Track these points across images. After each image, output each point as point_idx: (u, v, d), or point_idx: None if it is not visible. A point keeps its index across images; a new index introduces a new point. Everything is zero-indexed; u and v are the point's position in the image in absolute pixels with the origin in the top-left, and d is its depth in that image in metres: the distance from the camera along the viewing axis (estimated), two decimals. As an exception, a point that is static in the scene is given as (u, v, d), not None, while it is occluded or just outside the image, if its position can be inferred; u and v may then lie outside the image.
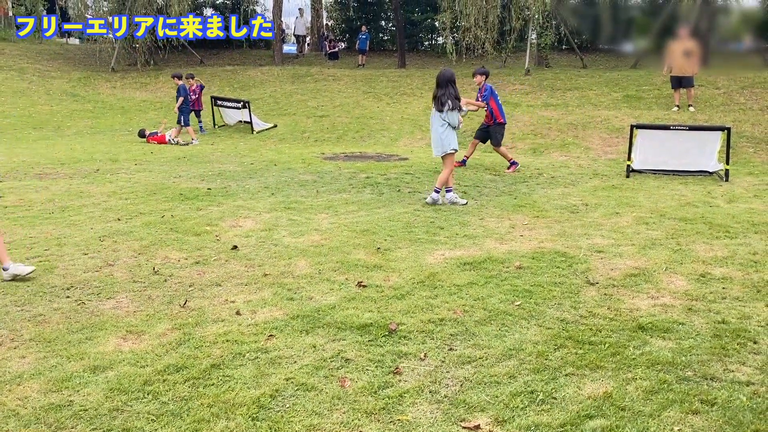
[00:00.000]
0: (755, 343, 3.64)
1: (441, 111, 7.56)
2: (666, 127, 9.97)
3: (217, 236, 6.09)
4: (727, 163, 9.33)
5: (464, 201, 7.72)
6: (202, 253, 5.53)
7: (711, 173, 9.60)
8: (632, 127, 9.98)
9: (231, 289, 4.64)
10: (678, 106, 14.50)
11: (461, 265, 5.17)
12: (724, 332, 3.78)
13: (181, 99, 14.34)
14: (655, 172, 9.80)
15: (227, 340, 3.74)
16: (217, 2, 28.48)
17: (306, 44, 30.23)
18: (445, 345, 3.66)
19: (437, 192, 7.63)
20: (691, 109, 14.24)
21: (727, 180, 9.16)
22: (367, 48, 25.37)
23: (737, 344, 3.62)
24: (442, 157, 7.71)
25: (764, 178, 9.43)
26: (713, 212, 7.06)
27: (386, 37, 30.54)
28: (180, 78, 14.84)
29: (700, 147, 9.68)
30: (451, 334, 3.81)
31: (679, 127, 9.82)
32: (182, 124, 14.29)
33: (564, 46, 24.26)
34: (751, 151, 11.67)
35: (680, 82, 14.16)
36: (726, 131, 9.44)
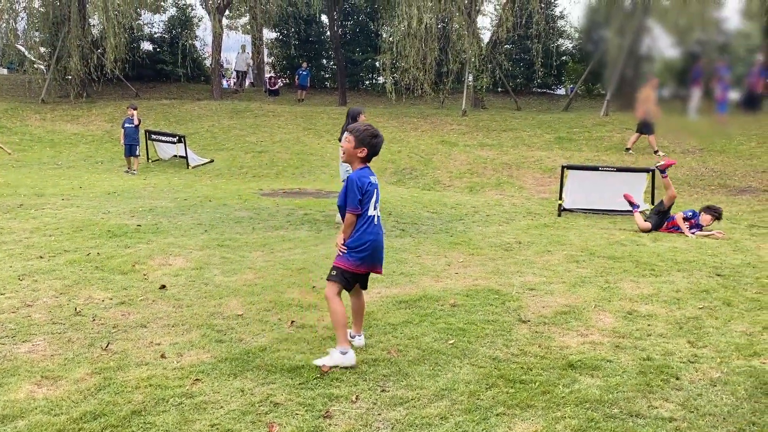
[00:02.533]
0: (677, 379, 3.75)
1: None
2: (595, 168, 10.37)
3: (145, 275, 5.88)
4: (653, 204, 9.74)
5: None
6: (128, 293, 5.32)
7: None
8: (563, 167, 10.33)
9: (157, 331, 4.47)
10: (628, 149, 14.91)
11: (397, 303, 5.15)
12: (648, 369, 3.88)
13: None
14: (585, 211, 10.13)
15: (150, 385, 3.58)
16: (155, 36, 28.11)
17: (246, 80, 30.19)
18: (378, 386, 3.61)
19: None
20: (660, 153, 14.19)
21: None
22: (308, 84, 25.55)
23: (661, 380, 3.71)
24: None
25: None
26: (640, 251, 7.32)
27: (327, 75, 30.85)
28: (135, 109, 15.31)
29: (628, 187, 10.08)
30: (384, 375, 3.76)
31: (608, 168, 10.23)
32: (137, 154, 14.98)
33: (499, 89, 25.08)
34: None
35: (644, 128, 14.10)
36: (651, 173, 9.88)
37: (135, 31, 25.06)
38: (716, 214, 8.47)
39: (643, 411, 3.32)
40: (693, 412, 3.32)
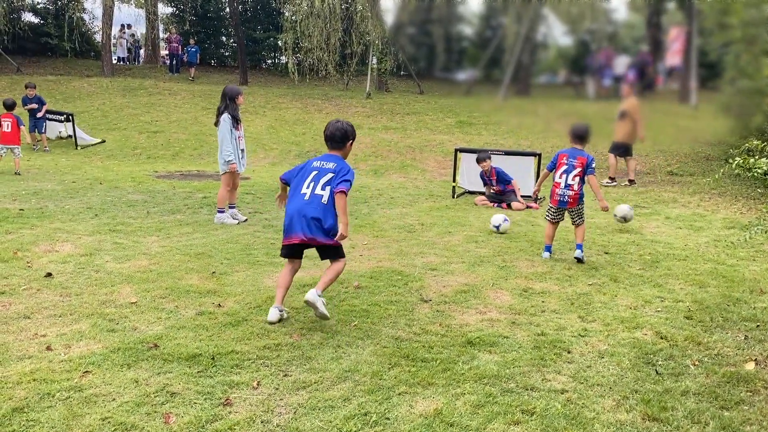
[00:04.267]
0: (569, 352, 3.94)
1: (216, 125, 7.45)
2: (485, 151, 10.65)
3: (28, 263, 5.48)
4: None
5: (235, 221, 7.54)
6: (8, 282, 4.93)
7: (530, 196, 10.39)
8: (456, 150, 10.58)
9: (42, 322, 4.18)
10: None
11: (300, 286, 5.09)
12: (543, 344, 4.05)
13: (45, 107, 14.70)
14: (476, 193, 10.39)
15: (34, 380, 3.34)
16: (38, 7, 26.11)
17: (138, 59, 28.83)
18: (280, 371, 3.55)
19: (221, 212, 7.53)
20: (606, 181, 11.79)
21: (542, 201, 9.98)
22: (197, 61, 24.58)
23: (554, 354, 3.89)
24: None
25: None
26: (534, 231, 7.63)
27: (227, 53, 29.90)
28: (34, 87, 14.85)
29: (521, 170, 10.43)
30: (287, 360, 3.70)
31: (497, 152, 10.54)
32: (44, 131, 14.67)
33: (402, 72, 25.27)
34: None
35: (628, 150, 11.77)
36: (538, 157, 10.29)
37: (15, 0, 23.19)
38: (481, 157, 9.70)
39: (538, 384, 3.47)
40: (583, 383, 3.50)
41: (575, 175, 6.09)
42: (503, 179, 9.73)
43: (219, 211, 7.52)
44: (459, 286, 5.27)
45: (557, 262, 6.13)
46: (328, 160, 4.40)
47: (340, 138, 4.44)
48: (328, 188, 4.27)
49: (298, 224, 4.28)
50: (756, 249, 6.84)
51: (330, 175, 4.30)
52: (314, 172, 4.34)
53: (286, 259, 4.52)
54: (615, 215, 7.92)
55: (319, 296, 4.18)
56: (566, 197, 6.13)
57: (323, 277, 4.41)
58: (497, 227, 7.35)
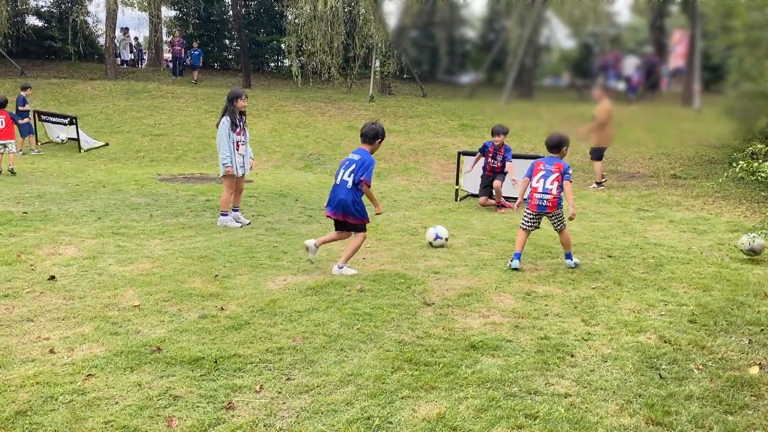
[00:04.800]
0: (572, 356, 3.93)
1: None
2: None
3: (31, 266, 5.49)
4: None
5: (238, 224, 7.55)
6: (12, 285, 4.94)
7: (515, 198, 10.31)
8: (459, 153, 10.56)
9: (45, 325, 4.18)
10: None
11: (303, 290, 5.09)
12: (546, 347, 4.04)
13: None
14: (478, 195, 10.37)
15: (37, 383, 3.34)
16: (42, 10, 26.18)
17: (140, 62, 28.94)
18: (283, 375, 3.55)
19: (224, 215, 7.55)
20: (593, 186, 11.73)
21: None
22: (201, 64, 24.62)
23: (557, 358, 3.88)
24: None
25: (581, 202, 10.39)
26: (537, 234, 7.59)
27: (230, 56, 29.95)
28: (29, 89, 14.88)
29: (524, 174, 10.37)
30: (290, 363, 3.70)
31: None
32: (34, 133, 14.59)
33: (405, 75, 25.29)
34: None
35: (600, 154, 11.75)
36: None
37: (19, 3, 23.27)
38: (500, 130, 9.46)
39: (541, 388, 3.46)
40: (586, 387, 3.49)
41: (553, 180, 6.08)
42: (506, 158, 9.55)
43: (222, 214, 7.53)
44: (462, 289, 5.26)
45: (560, 266, 6.12)
46: (357, 152, 5.64)
47: (371, 136, 5.64)
48: (352, 176, 5.50)
49: (330, 203, 5.69)
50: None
51: (354, 166, 5.52)
52: (345, 162, 5.63)
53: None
54: (741, 248, 6.71)
55: (341, 267, 5.58)
56: (545, 201, 6.07)
57: (346, 250, 5.67)
58: (431, 242, 6.88)
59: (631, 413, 3.20)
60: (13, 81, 20.86)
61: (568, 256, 6.14)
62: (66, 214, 7.68)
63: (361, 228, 5.69)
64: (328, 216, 5.77)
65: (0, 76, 21.70)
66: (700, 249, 7.01)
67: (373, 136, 5.63)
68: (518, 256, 6.08)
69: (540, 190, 6.12)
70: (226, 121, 7.36)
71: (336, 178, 5.64)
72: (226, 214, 7.52)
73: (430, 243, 6.80)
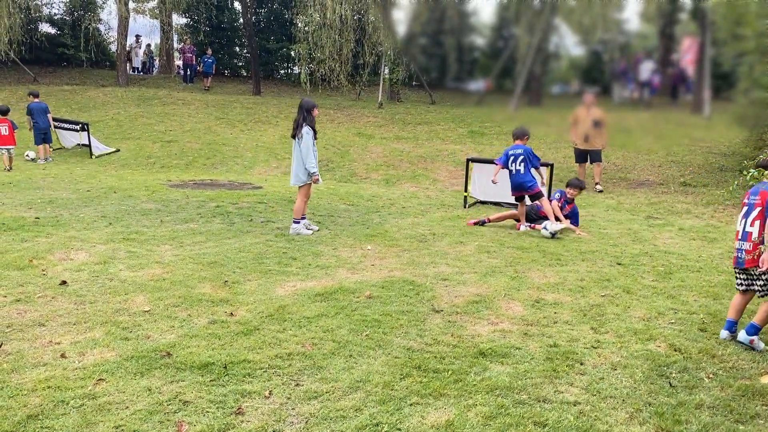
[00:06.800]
0: (582, 364, 3.92)
1: (294, 138, 7.58)
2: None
3: (43, 271, 5.54)
4: (549, 197, 10.08)
5: (309, 231, 7.68)
6: (24, 290, 4.99)
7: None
8: (468, 160, 10.56)
9: (56, 329, 4.22)
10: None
11: (312, 296, 5.10)
12: (555, 355, 4.03)
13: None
14: (493, 203, 10.39)
15: (49, 387, 3.37)
16: (55, 18, 26.46)
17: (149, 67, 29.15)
18: (292, 381, 3.56)
19: (297, 222, 7.59)
20: (598, 187, 11.92)
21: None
22: (213, 71, 24.78)
23: (566, 366, 3.87)
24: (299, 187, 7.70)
25: (590, 210, 10.36)
26: (546, 241, 7.60)
27: (240, 63, 30.11)
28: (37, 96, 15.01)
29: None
30: (299, 369, 3.71)
31: None
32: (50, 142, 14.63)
33: (414, 83, 25.34)
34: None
35: (586, 157, 12.12)
36: (550, 167, 10.25)
37: (32, 11, 23.51)
38: (578, 184, 8.88)
39: (550, 396, 3.45)
40: (595, 395, 3.48)
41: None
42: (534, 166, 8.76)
43: (294, 222, 7.61)
44: (471, 296, 5.26)
45: (569, 273, 6.10)
46: (517, 147, 8.26)
47: (519, 134, 8.36)
48: (523, 164, 8.11)
49: (511, 186, 8.36)
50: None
51: (522, 156, 8.15)
52: (512, 157, 8.23)
53: None
54: None
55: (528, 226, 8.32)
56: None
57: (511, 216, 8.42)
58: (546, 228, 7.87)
59: (641, 422, 3.19)
60: (26, 87, 21.07)
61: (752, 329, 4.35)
62: (77, 220, 7.74)
63: (539, 195, 8.25)
64: (515, 195, 8.46)
65: (13, 82, 21.94)
66: (710, 257, 6.98)
67: (520, 134, 8.35)
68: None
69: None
70: (309, 131, 7.48)
71: (512, 169, 8.25)
72: (298, 222, 7.60)
73: (545, 228, 7.89)
